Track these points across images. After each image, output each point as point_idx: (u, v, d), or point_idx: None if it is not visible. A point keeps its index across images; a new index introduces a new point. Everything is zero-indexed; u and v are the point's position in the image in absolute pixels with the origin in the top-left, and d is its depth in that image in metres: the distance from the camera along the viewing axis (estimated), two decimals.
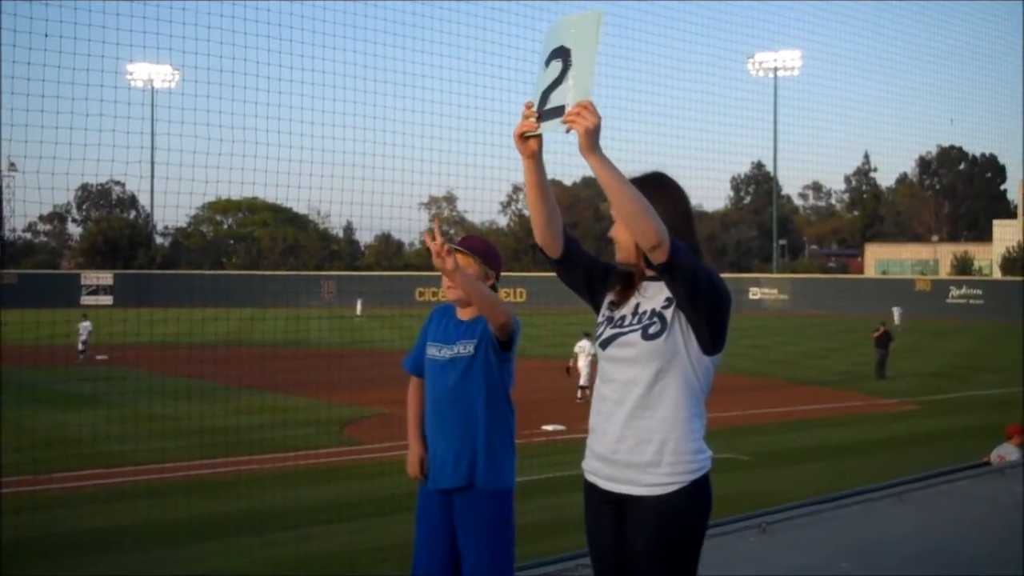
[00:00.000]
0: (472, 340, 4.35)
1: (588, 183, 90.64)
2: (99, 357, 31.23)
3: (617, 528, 3.36)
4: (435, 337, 4.48)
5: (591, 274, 3.49)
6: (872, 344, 29.67)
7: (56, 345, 25.28)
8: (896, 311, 49.92)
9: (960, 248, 79.96)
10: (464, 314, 4.47)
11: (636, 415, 3.29)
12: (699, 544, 3.33)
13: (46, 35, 11.24)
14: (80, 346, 33.09)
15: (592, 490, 3.44)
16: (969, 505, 7.93)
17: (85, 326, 33.45)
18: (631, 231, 3.14)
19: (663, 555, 3.26)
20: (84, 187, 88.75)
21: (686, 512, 3.27)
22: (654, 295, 3.33)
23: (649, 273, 3.32)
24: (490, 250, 4.51)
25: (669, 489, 3.24)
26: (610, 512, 3.37)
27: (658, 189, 3.34)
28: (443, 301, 4.61)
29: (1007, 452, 12.21)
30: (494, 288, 4.50)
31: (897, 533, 6.94)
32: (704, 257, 3.35)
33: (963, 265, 75.12)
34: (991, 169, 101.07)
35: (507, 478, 4.38)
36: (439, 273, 4.41)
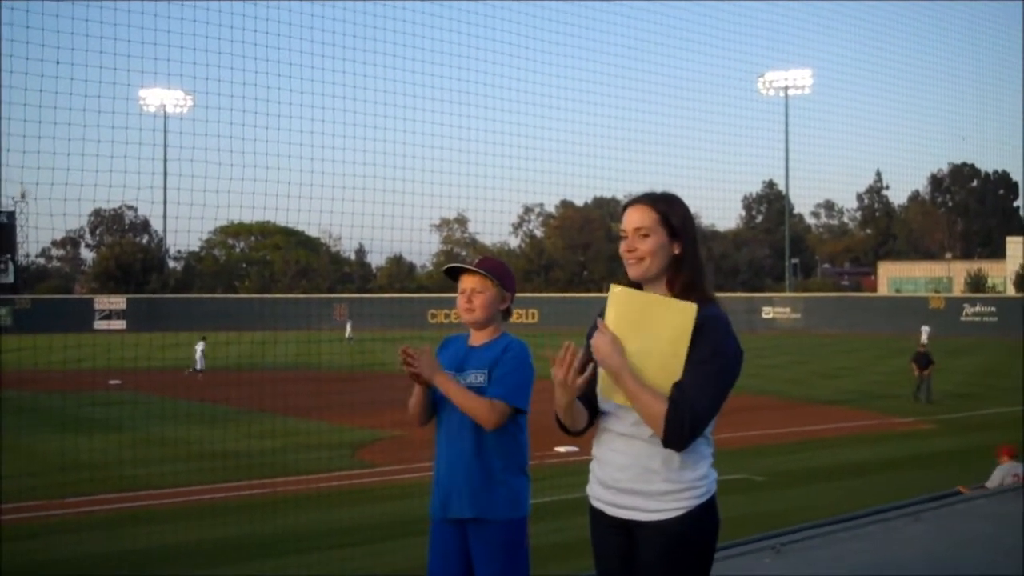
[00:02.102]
0: (483, 370, 4.33)
1: (599, 203, 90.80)
2: (112, 382, 31.26)
3: (625, 551, 3.37)
4: (448, 365, 4.46)
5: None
6: (914, 368, 27.86)
7: (68, 370, 25.34)
8: (924, 330, 46.95)
9: (974, 265, 79.65)
10: (476, 340, 4.46)
11: (639, 445, 3.30)
12: (707, 567, 3.34)
13: (57, 62, 11.33)
14: (198, 364, 33.60)
15: (598, 515, 3.45)
16: (985, 524, 7.87)
17: (200, 347, 33.90)
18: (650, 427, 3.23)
19: None
20: (97, 212, 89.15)
21: (690, 536, 3.27)
22: None
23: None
24: (506, 272, 4.52)
25: (673, 514, 3.26)
26: (617, 536, 3.39)
27: (684, 207, 3.42)
28: (454, 328, 4.61)
29: (1016, 470, 12.07)
30: (508, 311, 4.51)
31: (913, 553, 6.89)
32: (709, 279, 3.40)
33: (977, 282, 74.82)
34: (1003, 186, 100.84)
35: (520, 507, 4.36)
36: (452, 295, 4.44)
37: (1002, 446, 12.73)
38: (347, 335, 51.59)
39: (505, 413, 4.22)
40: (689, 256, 3.34)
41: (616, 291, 3.33)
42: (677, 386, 3.16)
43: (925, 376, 27.13)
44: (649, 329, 3.23)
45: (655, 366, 3.21)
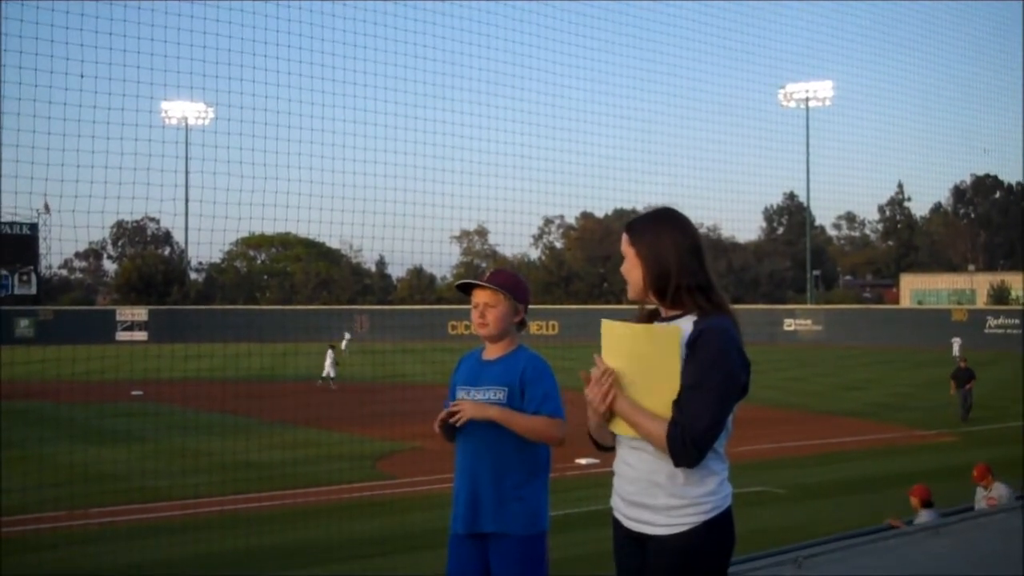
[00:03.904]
0: (503, 387, 4.33)
1: (620, 215, 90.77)
2: (134, 392, 31.43)
3: (640, 563, 3.37)
4: (463, 380, 4.46)
5: None
6: (953, 386, 26.92)
7: (90, 381, 25.43)
8: (956, 342, 46.72)
9: (997, 277, 79.02)
10: (490, 353, 4.46)
11: (646, 458, 3.31)
12: None
13: (81, 76, 11.43)
14: (331, 372, 34.30)
15: (618, 525, 3.47)
16: (1006, 538, 7.82)
17: (330, 355, 34.15)
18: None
19: None
20: (119, 224, 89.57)
21: (697, 553, 3.26)
22: None
23: (666, 312, 3.36)
24: (519, 284, 4.49)
25: (679, 530, 3.25)
26: (633, 547, 3.39)
27: (661, 225, 3.41)
28: (474, 339, 4.60)
29: (998, 494, 11.72)
30: (523, 322, 4.50)
31: (934, 567, 6.85)
32: (722, 292, 3.38)
33: (1000, 294, 74.26)
34: None
35: (540, 521, 4.35)
36: (471, 306, 4.43)
37: (978, 467, 12.16)
38: (342, 346, 51.54)
39: (565, 427, 4.33)
40: (685, 269, 3.31)
41: (605, 325, 3.38)
42: (676, 406, 3.17)
43: (967, 391, 26.62)
44: (640, 357, 3.27)
45: (652, 392, 3.23)
